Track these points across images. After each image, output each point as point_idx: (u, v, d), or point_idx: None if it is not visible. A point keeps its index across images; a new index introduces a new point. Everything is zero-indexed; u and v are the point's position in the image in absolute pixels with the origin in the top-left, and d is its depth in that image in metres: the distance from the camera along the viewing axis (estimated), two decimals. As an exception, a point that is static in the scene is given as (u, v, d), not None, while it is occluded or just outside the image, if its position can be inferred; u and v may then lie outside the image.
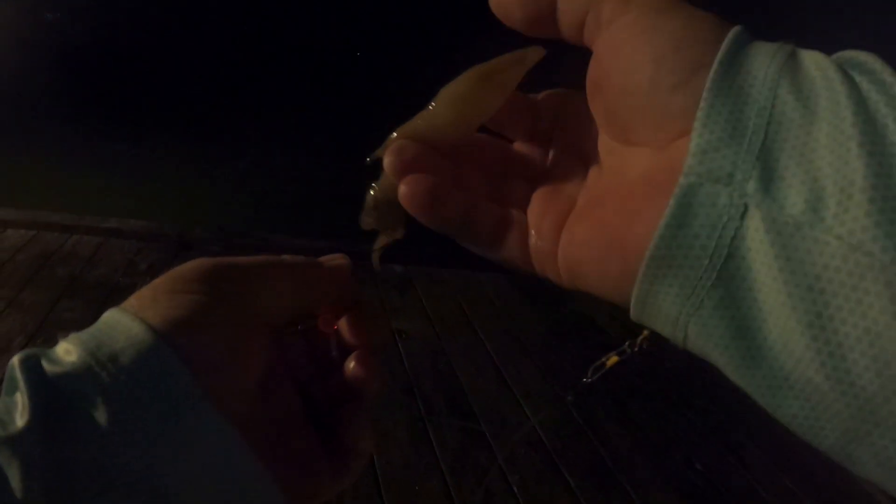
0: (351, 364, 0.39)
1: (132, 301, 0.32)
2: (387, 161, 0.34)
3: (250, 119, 3.21)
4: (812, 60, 0.26)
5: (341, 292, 0.40)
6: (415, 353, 2.68)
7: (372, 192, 0.37)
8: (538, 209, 0.34)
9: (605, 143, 0.34)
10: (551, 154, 0.37)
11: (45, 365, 0.28)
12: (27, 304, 2.85)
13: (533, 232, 0.33)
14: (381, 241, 0.39)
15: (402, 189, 0.33)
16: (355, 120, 3.09)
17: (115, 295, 2.95)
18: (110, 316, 0.31)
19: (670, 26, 0.28)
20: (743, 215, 0.23)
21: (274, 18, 2.88)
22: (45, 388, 0.27)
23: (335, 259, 0.40)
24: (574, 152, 0.36)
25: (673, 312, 0.26)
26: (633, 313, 0.28)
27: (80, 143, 3.43)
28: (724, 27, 0.27)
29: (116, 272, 3.19)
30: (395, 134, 0.36)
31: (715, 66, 0.25)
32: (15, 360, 0.28)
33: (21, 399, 0.26)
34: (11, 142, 3.45)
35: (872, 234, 0.20)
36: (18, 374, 0.27)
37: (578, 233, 0.31)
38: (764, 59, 0.25)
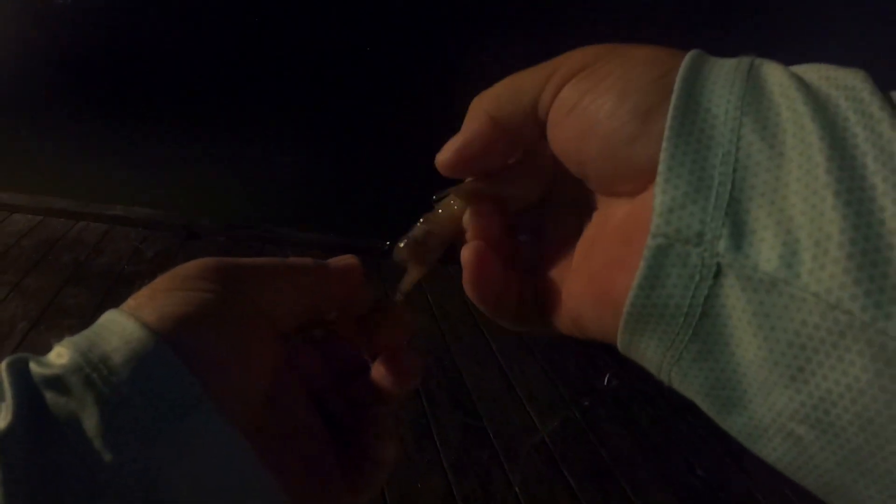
0: (379, 368, 0.38)
1: (130, 302, 0.30)
2: (462, 199, 0.35)
3: (258, 109, 3.20)
4: (776, 82, 0.24)
5: (352, 294, 0.38)
6: (419, 350, 2.68)
7: (423, 224, 0.36)
8: (544, 272, 0.34)
9: (594, 195, 0.33)
10: (552, 212, 0.36)
11: (34, 367, 0.26)
12: (31, 289, 2.86)
13: (545, 298, 0.33)
14: (412, 277, 0.38)
15: (470, 258, 0.33)
16: (364, 114, 3.09)
17: (119, 282, 2.95)
18: (106, 317, 0.29)
19: (608, 81, 0.27)
20: (717, 274, 0.22)
21: (285, 9, 2.87)
22: (30, 390, 0.25)
23: (344, 260, 0.38)
24: (571, 207, 0.35)
25: (655, 360, 0.26)
26: (622, 351, 0.28)
27: (87, 129, 3.42)
28: (666, 62, 0.26)
29: (122, 260, 3.19)
30: (469, 179, 0.36)
31: (671, 110, 0.24)
32: (3, 364, 0.26)
33: (5, 402, 0.24)
34: (19, 127, 3.45)
35: (851, 293, 0.19)
36: (4, 377, 0.25)
37: (574, 288, 0.31)
38: (723, 91, 0.24)
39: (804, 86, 0.23)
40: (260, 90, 3.15)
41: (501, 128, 0.32)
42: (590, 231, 0.32)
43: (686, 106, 0.24)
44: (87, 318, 2.61)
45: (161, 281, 0.31)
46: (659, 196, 0.24)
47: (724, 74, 0.25)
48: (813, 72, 0.24)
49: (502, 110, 0.32)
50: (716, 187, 0.23)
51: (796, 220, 0.21)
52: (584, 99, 0.28)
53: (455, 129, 0.33)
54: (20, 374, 0.26)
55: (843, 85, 0.23)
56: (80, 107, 3.36)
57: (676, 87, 0.25)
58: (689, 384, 0.25)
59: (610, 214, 0.30)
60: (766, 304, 0.21)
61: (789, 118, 0.23)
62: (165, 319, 0.28)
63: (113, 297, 2.80)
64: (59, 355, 0.27)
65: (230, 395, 0.28)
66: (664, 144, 0.24)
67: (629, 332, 0.26)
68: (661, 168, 0.24)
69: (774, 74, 0.25)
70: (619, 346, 0.28)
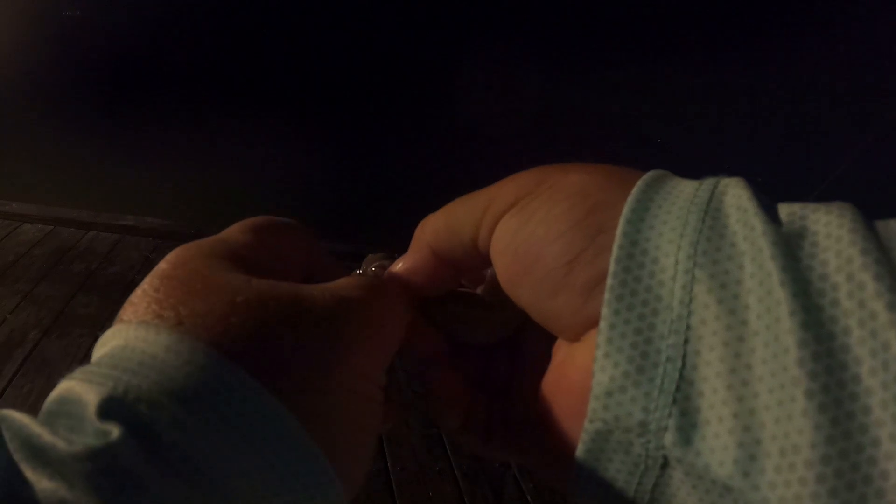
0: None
1: (160, 312, 0.26)
2: None
3: (269, 120, 3.21)
4: (740, 220, 0.20)
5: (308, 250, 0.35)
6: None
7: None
8: (516, 395, 0.33)
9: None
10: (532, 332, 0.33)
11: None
12: (42, 298, 2.87)
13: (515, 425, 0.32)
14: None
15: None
16: (374, 125, 3.09)
17: (130, 291, 2.93)
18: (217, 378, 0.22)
19: (534, 221, 0.25)
20: (664, 466, 0.19)
21: (292, 18, 2.88)
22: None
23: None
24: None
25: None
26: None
27: (97, 140, 3.44)
28: (592, 196, 0.23)
29: (132, 269, 3.20)
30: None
31: (612, 262, 0.21)
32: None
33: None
34: (29, 138, 3.47)
35: None
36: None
37: (524, 441, 0.30)
38: (673, 235, 0.21)
39: (774, 229, 0.19)
40: (271, 101, 3.15)
41: (444, 261, 0.31)
42: (551, 373, 0.28)
43: (629, 257, 0.21)
44: (98, 326, 2.62)
45: (175, 279, 0.28)
46: (597, 374, 0.20)
47: (676, 210, 0.21)
48: (786, 208, 0.20)
49: (442, 245, 0.31)
50: (663, 364, 0.19)
51: (758, 416, 0.17)
52: (515, 239, 0.25)
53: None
54: None
55: (825, 231, 0.19)
56: (89, 117, 3.37)
57: (619, 229, 0.21)
58: None
59: (553, 356, 0.28)
60: None
61: (755, 275, 0.19)
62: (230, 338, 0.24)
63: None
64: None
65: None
66: (604, 310, 0.21)
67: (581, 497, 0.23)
68: (599, 339, 0.20)
69: (739, 207, 0.20)
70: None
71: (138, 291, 0.28)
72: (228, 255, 0.29)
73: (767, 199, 0.21)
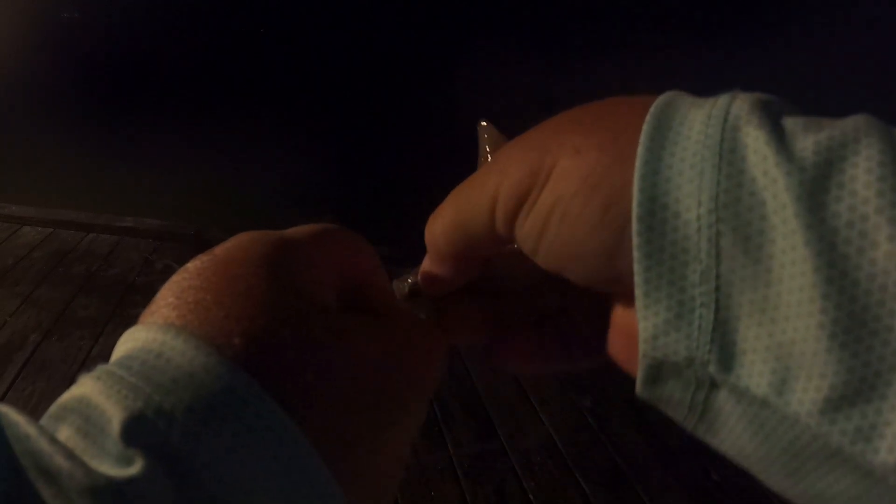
0: None
1: (184, 315, 0.24)
2: None
3: (269, 120, 3.21)
4: (759, 160, 0.20)
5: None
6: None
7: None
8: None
9: None
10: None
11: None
12: (43, 300, 2.87)
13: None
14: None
15: None
16: (376, 124, 3.09)
17: (130, 293, 2.95)
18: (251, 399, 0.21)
19: (554, 221, 0.25)
20: (712, 386, 0.22)
21: (291, 19, 2.88)
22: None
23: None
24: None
25: (679, 420, 0.25)
26: None
27: (96, 141, 3.44)
28: (606, 178, 0.23)
29: (132, 271, 3.20)
30: None
31: (634, 223, 0.22)
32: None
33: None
34: (29, 140, 3.47)
35: (842, 429, 0.18)
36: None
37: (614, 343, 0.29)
38: (691, 188, 0.21)
39: (796, 166, 0.19)
40: (270, 101, 3.15)
41: (463, 259, 0.32)
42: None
43: (651, 216, 0.21)
44: (98, 328, 2.63)
45: (216, 287, 0.25)
46: (641, 323, 0.22)
47: (689, 157, 0.21)
48: (809, 137, 0.20)
49: (457, 247, 0.31)
50: (698, 309, 0.21)
51: (786, 349, 0.19)
52: (542, 242, 0.26)
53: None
54: None
55: (851, 174, 0.19)
56: (88, 119, 3.37)
57: (635, 195, 0.22)
58: (712, 442, 0.25)
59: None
60: (761, 417, 0.21)
61: (777, 228, 0.20)
62: (250, 348, 0.23)
63: (124, 307, 2.81)
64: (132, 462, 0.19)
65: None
66: (636, 267, 0.22)
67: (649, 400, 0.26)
68: (637, 293, 0.22)
69: (757, 151, 0.20)
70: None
71: (184, 284, 0.25)
72: (284, 259, 0.27)
73: (781, 129, 0.21)
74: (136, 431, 0.19)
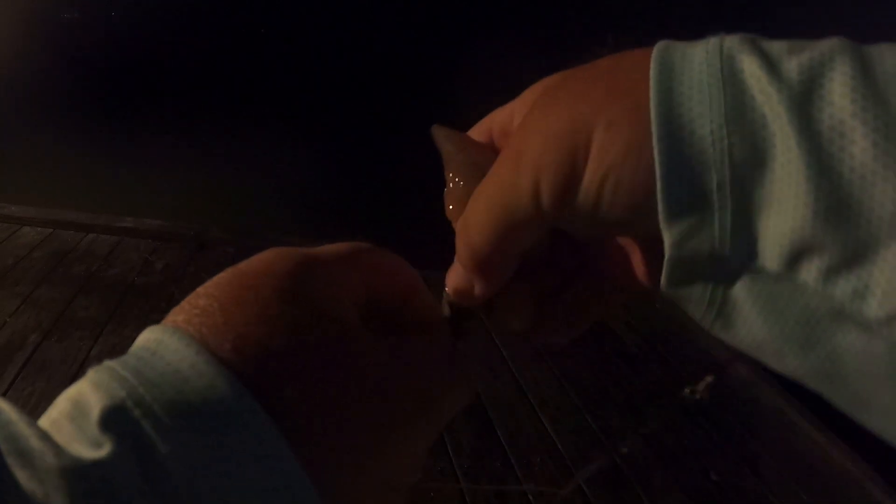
0: None
1: (192, 320, 0.25)
2: None
3: (269, 120, 3.21)
4: (756, 82, 0.24)
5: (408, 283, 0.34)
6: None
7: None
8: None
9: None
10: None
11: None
12: (42, 300, 2.87)
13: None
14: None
15: None
16: (378, 124, 3.09)
17: (130, 293, 2.95)
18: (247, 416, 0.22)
19: (610, 186, 0.27)
20: (731, 279, 0.25)
21: (291, 21, 2.88)
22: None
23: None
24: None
25: (695, 320, 0.28)
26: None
27: (96, 142, 3.44)
28: (631, 90, 0.26)
29: (132, 271, 3.20)
30: None
31: (655, 144, 0.25)
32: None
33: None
34: (29, 140, 3.47)
35: (841, 289, 0.23)
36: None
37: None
38: (703, 109, 0.24)
39: (784, 84, 0.24)
40: (270, 101, 3.15)
41: (501, 258, 0.32)
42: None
43: (671, 137, 0.25)
44: (98, 328, 2.63)
45: (226, 295, 0.26)
46: (665, 231, 0.25)
47: (697, 82, 0.25)
48: (793, 60, 0.24)
49: (500, 243, 0.31)
50: (717, 211, 0.24)
51: (791, 233, 0.23)
52: (597, 212, 0.27)
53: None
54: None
55: (829, 85, 0.23)
56: (88, 120, 3.37)
57: (654, 119, 0.25)
58: (728, 340, 0.28)
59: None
60: (775, 293, 0.24)
61: (776, 130, 0.23)
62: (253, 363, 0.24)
63: (124, 308, 2.80)
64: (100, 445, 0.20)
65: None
66: (659, 185, 0.25)
67: (671, 305, 0.29)
68: (661, 207, 0.25)
69: (753, 74, 0.24)
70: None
71: (200, 292, 0.26)
72: (307, 277, 0.28)
73: (769, 55, 0.25)
74: (114, 419, 0.20)
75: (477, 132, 0.37)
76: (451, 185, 0.35)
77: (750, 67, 0.24)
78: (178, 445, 0.20)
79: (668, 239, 0.25)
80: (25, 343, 2.56)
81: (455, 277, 0.34)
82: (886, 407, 0.24)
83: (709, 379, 2.51)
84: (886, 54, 0.23)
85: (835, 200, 0.22)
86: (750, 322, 0.26)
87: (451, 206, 0.35)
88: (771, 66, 0.24)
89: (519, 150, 0.29)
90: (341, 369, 0.25)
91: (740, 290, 0.25)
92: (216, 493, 0.21)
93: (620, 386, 2.71)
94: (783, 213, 0.23)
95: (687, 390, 2.41)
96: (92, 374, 0.23)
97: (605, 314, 0.37)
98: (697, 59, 0.25)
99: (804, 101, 0.23)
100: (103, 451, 0.19)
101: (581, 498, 2.08)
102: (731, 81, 0.24)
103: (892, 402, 0.24)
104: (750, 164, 0.24)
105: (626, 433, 2.40)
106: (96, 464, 0.19)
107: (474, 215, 0.31)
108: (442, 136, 0.37)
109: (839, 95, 0.23)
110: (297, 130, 3.24)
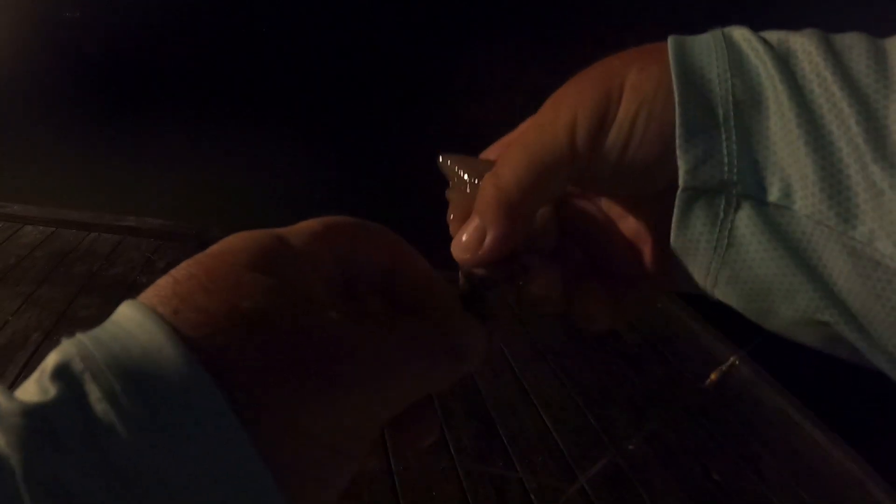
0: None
1: (166, 295, 0.25)
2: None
3: (270, 119, 3.21)
4: (750, 48, 0.29)
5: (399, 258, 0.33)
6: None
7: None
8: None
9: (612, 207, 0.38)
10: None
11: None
12: (44, 300, 2.87)
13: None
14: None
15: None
16: (379, 122, 3.09)
17: (132, 292, 2.93)
18: (130, 318, 0.24)
19: (642, 123, 0.30)
20: (736, 209, 0.28)
21: (292, 20, 2.88)
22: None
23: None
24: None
25: (700, 283, 0.31)
26: (678, 286, 0.34)
27: (98, 141, 3.44)
28: (655, 57, 0.30)
29: (134, 270, 3.21)
30: None
31: (675, 81, 0.29)
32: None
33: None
34: (30, 140, 3.47)
35: (827, 215, 0.26)
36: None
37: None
38: (710, 59, 0.29)
39: (771, 49, 0.29)
40: (270, 101, 3.15)
41: (528, 206, 0.33)
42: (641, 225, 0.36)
43: (685, 75, 0.29)
44: (99, 328, 2.62)
45: (202, 268, 0.27)
46: (682, 157, 0.29)
47: (706, 46, 0.30)
48: (773, 35, 0.30)
49: (532, 185, 0.32)
50: (724, 142, 0.28)
51: (784, 164, 0.27)
52: (629, 144, 0.30)
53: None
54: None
55: (804, 49, 0.28)
56: (90, 119, 3.38)
57: (672, 63, 0.29)
58: (729, 301, 0.31)
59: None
60: (775, 223, 0.28)
61: (766, 78, 0.28)
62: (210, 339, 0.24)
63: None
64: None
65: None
66: (677, 110, 0.29)
67: (677, 265, 0.31)
68: (679, 132, 0.29)
69: (746, 40, 0.30)
70: (677, 280, 0.33)
71: (170, 275, 0.28)
72: (274, 254, 0.28)
73: (756, 33, 0.30)
74: (61, 372, 0.22)
75: (490, 153, 0.37)
76: (456, 191, 0.35)
77: (747, 37, 0.30)
78: (117, 395, 0.21)
79: (683, 166, 0.29)
80: (27, 342, 2.56)
81: (464, 230, 0.34)
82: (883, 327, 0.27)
83: (733, 359, 2.51)
84: (844, 35, 0.28)
85: (818, 138, 0.27)
86: (753, 258, 0.29)
87: (452, 215, 0.35)
88: (759, 37, 0.29)
89: (556, 98, 0.33)
90: (293, 334, 0.25)
91: (744, 224, 0.28)
92: (156, 449, 0.21)
93: (622, 385, 2.71)
94: (776, 150, 0.28)
95: (713, 375, 2.40)
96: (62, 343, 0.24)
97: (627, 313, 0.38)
98: (704, 36, 0.30)
99: (787, 59, 0.28)
100: (48, 396, 0.21)
101: (583, 497, 2.08)
102: (730, 44, 0.29)
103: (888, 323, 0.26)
104: (748, 101, 0.28)
105: (628, 432, 2.40)
106: (40, 406, 0.21)
107: (510, 156, 0.33)
108: (448, 163, 0.36)
109: (813, 54, 0.28)
110: (297, 130, 3.24)
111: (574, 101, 0.31)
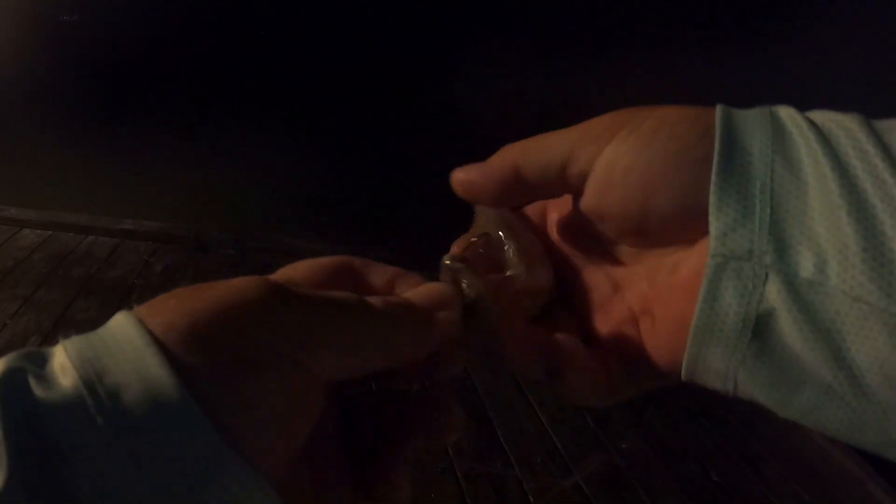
0: (436, 423, 0.34)
1: (155, 312, 0.26)
2: None
3: (268, 121, 3.21)
4: (794, 124, 0.30)
5: (434, 349, 0.32)
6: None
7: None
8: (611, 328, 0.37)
9: (625, 252, 0.38)
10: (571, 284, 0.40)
11: (34, 386, 0.22)
12: (42, 303, 2.87)
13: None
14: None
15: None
16: (377, 123, 3.09)
17: (130, 295, 2.95)
18: (121, 331, 0.26)
19: (660, 139, 0.31)
20: (765, 282, 0.27)
21: (291, 21, 2.88)
22: (28, 432, 0.21)
23: (443, 305, 0.33)
24: (590, 272, 0.39)
25: (721, 368, 0.30)
26: (684, 376, 0.32)
27: (95, 144, 3.44)
28: (701, 118, 0.31)
29: (132, 273, 3.20)
30: None
31: (717, 150, 0.29)
32: None
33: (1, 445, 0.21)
34: (28, 142, 3.47)
35: (868, 289, 0.25)
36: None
37: (659, 331, 0.34)
38: (755, 134, 0.30)
39: (814, 126, 0.29)
40: (270, 102, 3.15)
41: (522, 180, 0.35)
42: (654, 281, 0.36)
43: (728, 148, 0.29)
44: (98, 331, 2.62)
45: (198, 294, 0.27)
46: (713, 223, 0.29)
47: (751, 120, 0.30)
48: (817, 115, 0.30)
49: (529, 164, 0.35)
50: (758, 212, 0.28)
51: (822, 236, 0.27)
52: (639, 159, 0.31)
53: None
54: (15, 404, 0.22)
55: (844, 127, 0.28)
56: (87, 122, 3.37)
57: (718, 132, 0.30)
58: (754, 381, 0.30)
59: (672, 262, 0.34)
60: (807, 301, 0.27)
61: (807, 154, 0.28)
62: (195, 370, 0.24)
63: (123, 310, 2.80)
64: (63, 370, 0.24)
65: (264, 461, 0.24)
66: (713, 178, 0.29)
67: (696, 347, 0.30)
68: (712, 199, 0.29)
69: (791, 118, 0.30)
70: (685, 364, 0.31)
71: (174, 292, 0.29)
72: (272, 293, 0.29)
73: (799, 112, 0.30)
74: (26, 355, 0.25)
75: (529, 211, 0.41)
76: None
77: (791, 115, 0.30)
78: (78, 374, 0.24)
79: (713, 231, 0.29)
80: (25, 345, 2.54)
81: (474, 169, 0.37)
82: None
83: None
84: (884, 120, 0.29)
85: (864, 219, 0.26)
86: (785, 336, 0.27)
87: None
88: (804, 116, 0.30)
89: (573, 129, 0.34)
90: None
91: (776, 296, 0.27)
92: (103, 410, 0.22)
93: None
94: (813, 226, 0.27)
95: None
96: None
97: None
98: (752, 111, 0.31)
99: (828, 134, 0.29)
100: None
101: (581, 498, 2.08)
102: (775, 122, 0.30)
103: None
104: (787, 178, 0.28)
105: (627, 432, 2.40)
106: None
107: (528, 139, 0.35)
108: (453, 271, 0.36)
109: (855, 130, 0.28)
110: (297, 131, 3.24)
111: (590, 123, 0.33)
